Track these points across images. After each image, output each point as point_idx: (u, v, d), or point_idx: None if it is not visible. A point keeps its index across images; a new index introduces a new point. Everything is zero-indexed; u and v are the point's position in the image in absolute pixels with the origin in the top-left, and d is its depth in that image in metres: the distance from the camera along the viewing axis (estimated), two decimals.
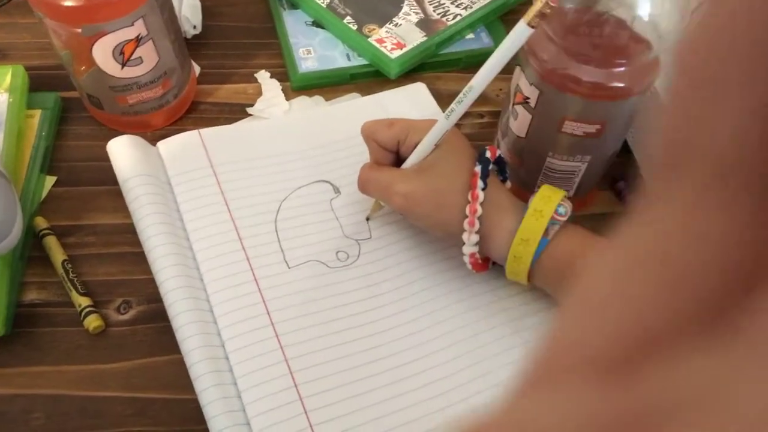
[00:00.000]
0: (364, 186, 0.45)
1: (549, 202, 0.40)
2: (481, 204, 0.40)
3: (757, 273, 0.11)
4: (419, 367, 0.41)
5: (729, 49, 0.11)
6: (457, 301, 0.44)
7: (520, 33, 0.36)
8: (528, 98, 0.43)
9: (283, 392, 0.39)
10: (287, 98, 0.56)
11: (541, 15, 0.35)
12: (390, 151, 0.44)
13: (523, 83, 0.43)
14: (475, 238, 0.40)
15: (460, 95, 0.40)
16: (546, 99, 0.42)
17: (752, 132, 0.11)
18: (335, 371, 0.41)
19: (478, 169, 0.40)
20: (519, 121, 0.45)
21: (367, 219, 0.48)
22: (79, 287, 0.44)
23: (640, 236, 0.13)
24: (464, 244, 0.41)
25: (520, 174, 0.47)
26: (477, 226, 0.40)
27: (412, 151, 0.43)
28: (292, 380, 0.40)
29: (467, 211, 0.40)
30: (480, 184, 0.40)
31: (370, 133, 0.44)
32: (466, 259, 0.42)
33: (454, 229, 0.41)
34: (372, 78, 0.58)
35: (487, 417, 0.14)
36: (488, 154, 0.41)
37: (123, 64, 0.46)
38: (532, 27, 0.36)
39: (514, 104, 0.45)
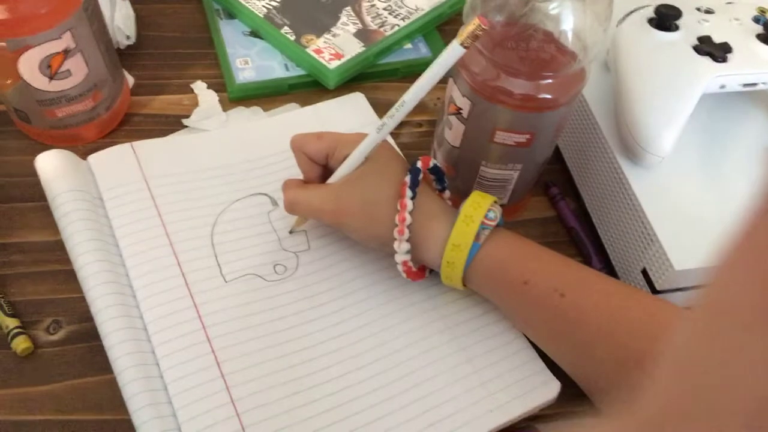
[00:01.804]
0: (291, 207, 0.45)
1: (479, 207, 0.41)
2: (411, 213, 0.40)
3: None
4: (359, 377, 0.41)
5: None
6: (396, 310, 0.45)
7: (452, 52, 0.37)
8: (461, 109, 0.44)
9: (219, 408, 0.39)
10: (224, 109, 0.56)
11: (473, 36, 0.36)
12: (318, 163, 0.44)
13: (456, 94, 0.44)
14: (406, 246, 0.41)
15: (392, 110, 0.41)
16: (478, 110, 0.43)
17: None
18: (273, 385, 0.40)
19: (407, 178, 0.41)
20: (453, 131, 0.46)
21: (290, 232, 0.48)
22: (6, 308, 0.42)
23: (748, 291, 0.12)
24: (396, 253, 0.42)
25: (456, 183, 0.48)
26: (407, 234, 0.40)
27: (340, 164, 0.43)
28: (228, 396, 0.39)
29: (396, 220, 0.41)
30: (408, 193, 0.41)
31: (299, 146, 0.44)
32: (400, 267, 0.42)
33: (386, 240, 0.41)
34: (310, 88, 0.58)
35: None
36: (419, 164, 0.42)
37: (51, 78, 0.45)
38: (465, 47, 0.36)
39: (448, 114, 0.46)
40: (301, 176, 0.46)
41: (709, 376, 0.13)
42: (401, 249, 0.41)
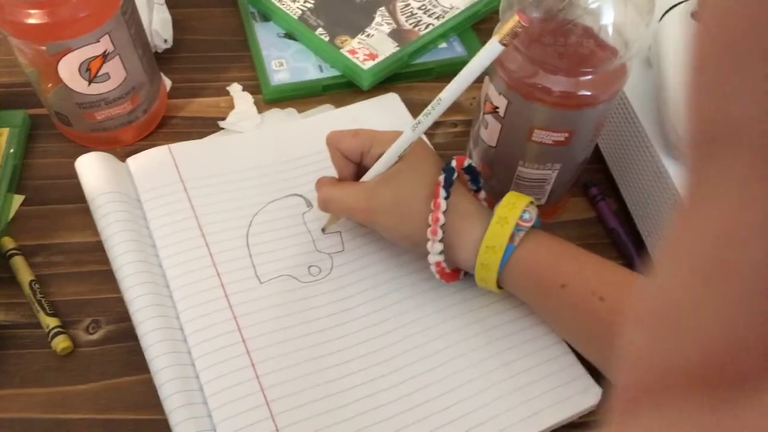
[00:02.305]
0: (325, 205, 0.45)
1: (513, 208, 0.40)
2: (445, 213, 0.40)
3: None
4: (393, 380, 0.41)
5: (757, 12, 0.10)
6: (431, 312, 0.44)
7: (491, 50, 0.36)
8: (497, 108, 0.43)
9: (254, 410, 0.39)
10: (260, 111, 0.56)
11: (513, 33, 0.35)
12: (353, 161, 0.44)
13: (492, 93, 0.43)
14: (439, 246, 0.40)
15: (429, 107, 0.40)
16: (514, 108, 0.42)
17: None
18: (307, 387, 0.40)
19: (441, 178, 0.40)
20: (489, 131, 0.45)
21: (323, 231, 0.48)
22: (47, 308, 0.43)
23: (700, 242, 0.12)
24: (429, 253, 0.41)
25: (492, 183, 0.47)
26: (440, 234, 0.40)
27: (374, 162, 0.43)
28: (263, 397, 0.39)
29: (430, 220, 0.40)
30: (442, 193, 0.40)
31: (334, 143, 0.44)
32: (433, 268, 0.42)
33: (419, 240, 0.41)
34: (345, 89, 0.58)
35: None
36: (453, 164, 0.41)
37: (90, 81, 0.46)
38: (504, 45, 0.36)
39: (483, 113, 0.45)
40: (335, 175, 0.46)
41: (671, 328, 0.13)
42: (434, 249, 0.41)
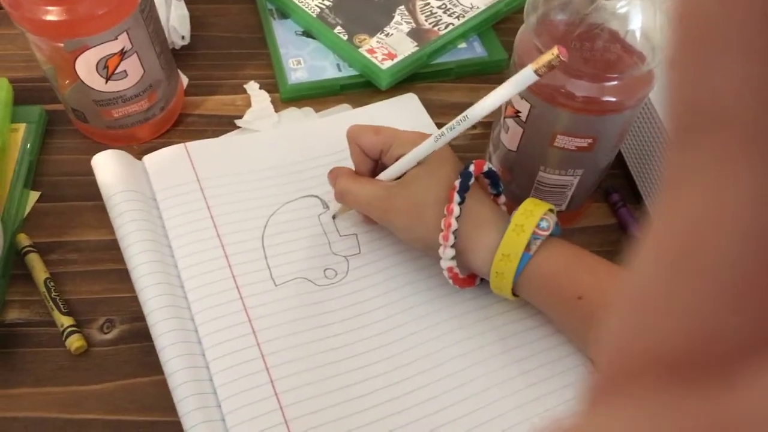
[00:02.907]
0: (342, 197, 0.44)
1: (531, 216, 0.39)
2: (458, 218, 0.39)
3: None
4: (407, 387, 0.40)
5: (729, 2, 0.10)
6: (447, 318, 0.43)
7: (525, 78, 0.36)
8: (519, 112, 0.42)
9: (268, 415, 0.38)
10: (276, 109, 0.56)
11: (549, 66, 0.34)
12: (371, 157, 0.44)
13: (515, 96, 0.42)
14: (451, 252, 0.40)
15: (454, 122, 0.40)
16: (537, 113, 0.41)
17: (748, 85, 0.10)
18: (322, 392, 0.40)
19: (457, 183, 0.40)
20: (510, 135, 0.44)
21: (333, 217, 0.47)
22: (62, 306, 0.43)
23: (674, 227, 0.12)
24: (441, 258, 0.40)
25: (511, 188, 0.47)
26: (451, 240, 0.39)
27: (393, 162, 0.43)
28: (277, 402, 0.39)
29: (442, 225, 0.39)
30: (456, 198, 0.39)
31: (355, 137, 0.44)
32: (445, 273, 0.41)
33: (431, 243, 0.40)
34: (362, 89, 0.57)
35: (574, 425, 0.13)
36: (472, 168, 0.40)
37: (107, 78, 0.45)
38: (539, 75, 0.35)
39: (505, 117, 0.44)
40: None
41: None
42: (446, 255, 0.40)
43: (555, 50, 0.34)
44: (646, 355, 0.12)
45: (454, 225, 0.39)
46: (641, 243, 0.13)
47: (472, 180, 0.40)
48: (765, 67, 0.10)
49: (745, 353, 0.10)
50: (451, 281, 0.42)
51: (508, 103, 0.43)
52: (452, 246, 0.40)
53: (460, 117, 0.39)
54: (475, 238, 0.40)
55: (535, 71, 0.35)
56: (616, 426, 0.12)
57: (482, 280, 0.43)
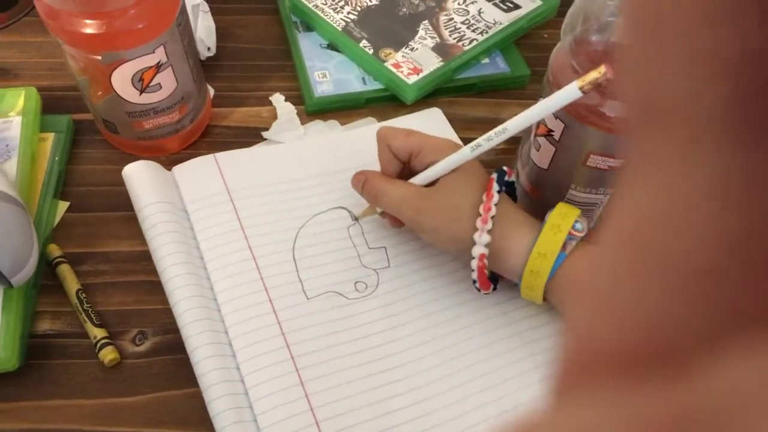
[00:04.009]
0: (375, 196, 0.45)
1: (566, 217, 0.40)
2: (493, 218, 0.40)
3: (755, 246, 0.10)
4: (439, 403, 0.41)
5: None
6: (478, 334, 0.44)
7: (569, 93, 0.36)
8: (552, 131, 0.43)
9: (304, 429, 0.38)
10: (301, 122, 0.56)
11: (595, 83, 0.35)
12: (400, 160, 0.44)
13: (548, 116, 0.43)
14: (486, 238, 0.40)
15: (491, 133, 0.40)
16: (571, 132, 0.42)
17: (697, 80, 0.10)
18: (357, 407, 0.40)
19: (494, 176, 0.41)
20: (541, 153, 0.45)
21: (357, 220, 0.48)
22: (94, 318, 0.43)
23: (629, 222, 0.12)
24: (473, 258, 0.41)
25: (537, 204, 0.47)
26: (489, 224, 0.40)
27: (424, 166, 0.43)
28: (313, 417, 0.39)
29: (481, 210, 0.40)
30: (495, 186, 0.40)
31: (386, 138, 0.44)
32: (475, 263, 0.41)
33: (466, 244, 0.41)
34: (387, 102, 0.58)
35: (537, 419, 0.13)
36: (505, 168, 0.42)
37: (141, 91, 0.46)
38: (584, 92, 0.35)
39: (536, 136, 0.45)
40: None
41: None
42: (481, 240, 0.40)
43: (602, 68, 0.34)
44: (606, 349, 0.12)
45: (493, 210, 0.40)
46: (600, 238, 0.13)
47: (507, 177, 0.42)
48: (710, 62, 0.10)
49: (703, 344, 0.10)
50: (475, 274, 0.41)
51: (541, 121, 0.44)
52: (488, 232, 0.40)
53: (498, 129, 0.40)
54: (510, 238, 0.40)
55: (580, 88, 0.36)
56: (575, 422, 0.12)
57: (496, 288, 0.43)
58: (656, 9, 0.11)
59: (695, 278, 0.11)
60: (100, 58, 0.43)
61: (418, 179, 0.44)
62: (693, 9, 0.10)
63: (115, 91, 0.45)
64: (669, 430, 0.10)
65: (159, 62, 0.44)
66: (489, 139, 0.40)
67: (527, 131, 0.47)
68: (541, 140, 0.44)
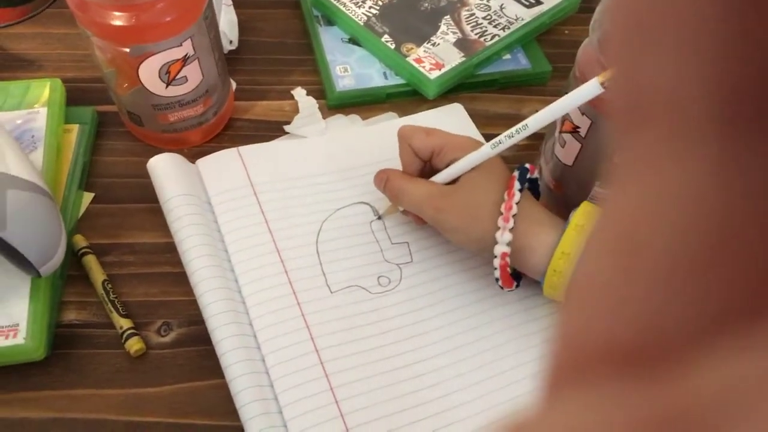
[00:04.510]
0: (397, 195, 0.45)
1: (591, 217, 0.40)
2: (515, 216, 0.40)
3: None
4: (462, 398, 0.41)
5: None
6: (502, 329, 0.44)
7: (590, 89, 0.36)
8: (578, 128, 0.43)
9: (330, 422, 0.39)
10: (323, 116, 0.56)
11: None
12: (422, 158, 0.44)
13: (574, 112, 0.43)
14: (508, 236, 0.40)
15: (513, 130, 0.40)
16: (598, 129, 0.42)
17: (682, 77, 0.10)
18: (381, 400, 0.40)
19: (515, 173, 0.41)
20: (566, 150, 0.45)
21: (379, 217, 0.48)
22: (120, 308, 0.43)
23: (617, 220, 0.12)
24: (495, 256, 0.41)
25: (560, 199, 0.47)
26: (511, 223, 0.40)
27: (445, 165, 0.43)
28: (338, 410, 0.39)
29: (502, 209, 0.40)
30: (517, 185, 0.40)
31: (406, 137, 0.44)
32: (497, 262, 0.41)
33: (488, 243, 0.41)
34: (408, 97, 0.58)
35: (530, 418, 0.13)
36: (528, 166, 0.42)
37: (168, 84, 0.46)
38: (605, 88, 0.35)
39: (561, 132, 0.45)
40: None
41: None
42: (503, 239, 0.40)
43: None
44: (597, 347, 0.12)
45: (515, 209, 0.40)
46: (590, 236, 0.13)
47: (529, 174, 0.42)
48: (696, 59, 0.10)
49: (693, 342, 0.10)
50: (498, 272, 0.41)
51: (566, 118, 0.44)
52: (510, 230, 0.40)
53: (519, 125, 0.40)
54: (532, 236, 0.40)
55: (602, 83, 0.36)
56: (565, 422, 0.12)
57: (518, 285, 0.43)
58: (642, 4, 0.11)
59: (683, 276, 0.11)
60: (128, 50, 0.43)
61: (440, 177, 0.44)
62: (680, 3, 0.10)
63: (142, 84, 0.45)
64: (658, 430, 0.10)
65: (186, 55, 0.45)
66: (510, 136, 0.40)
67: (551, 128, 0.47)
68: (567, 137, 0.44)
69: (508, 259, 0.41)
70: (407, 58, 0.57)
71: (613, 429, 0.11)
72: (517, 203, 0.40)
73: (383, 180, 0.46)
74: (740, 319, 0.10)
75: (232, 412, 0.39)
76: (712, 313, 0.11)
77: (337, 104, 0.56)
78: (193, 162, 0.50)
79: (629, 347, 0.11)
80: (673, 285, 0.11)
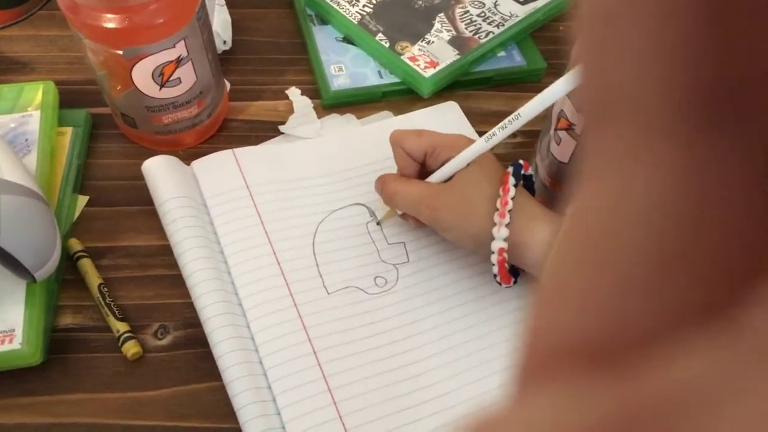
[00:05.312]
0: (391, 198, 0.45)
1: None
2: (510, 212, 0.40)
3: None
4: (460, 397, 0.41)
5: None
6: (498, 329, 0.44)
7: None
8: (574, 125, 0.43)
9: (328, 423, 0.39)
10: (318, 116, 0.56)
11: None
12: (416, 160, 0.44)
13: (569, 109, 0.43)
14: (505, 232, 0.40)
15: (505, 121, 0.40)
16: None
17: (646, 75, 0.10)
18: (380, 401, 0.40)
19: (510, 169, 0.41)
20: (562, 147, 0.45)
21: (378, 224, 0.48)
22: (116, 312, 0.43)
23: (584, 218, 0.12)
24: (492, 252, 0.41)
25: (557, 197, 0.47)
26: (507, 219, 0.40)
27: (439, 164, 0.43)
28: (336, 411, 0.39)
29: (498, 204, 0.40)
30: (511, 180, 0.40)
31: (398, 141, 0.44)
32: (495, 258, 0.41)
33: (484, 239, 0.41)
34: (404, 96, 0.57)
35: (495, 415, 0.13)
36: (522, 162, 0.42)
37: (161, 85, 0.46)
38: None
39: (556, 129, 0.45)
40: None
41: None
42: (499, 235, 0.40)
43: None
44: (563, 342, 0.12)
45: (510, 204, 0.40)
46: (559, 233, 0.13)
47: (523, 170, 0.41)
48: (660, 56, 0.10)
49: (658, 338, 0.11)
50: (496, 268, 0.41)
51: (561, 115, 0.44)
52: (506, 226, 0.40)
53: (512, 116, 0.39)
54: (528, 232, 0.40)
55: None
56: (528, 420, 0.12)
57: (516, 282, 0.43)
58: (609, 4, 0.11)
59: (645, 272, 0.11)
60: (121, 52, 0.43)
61: (435, 177, 0.44)
62: (642, 4, 0.10)
63: (135, 86, 0.45)
64: (619, 428, 0.10)
65: (179, 57, 0.44)
66: (503, 128, 0.40)
67: (547, 125, 0.47)
68: (562, 134, 0.44)
69: (505, 255, 0.41)
70: (402, 57, 0.57)
71: (573, 429, 0.11)
72: (512, 198, 0.40)
73: (381, 186, 0.46)
74: (703, 316, 0.10)
75: (230, 414, 0.39)
76: (674, 309, 0.11)
77: (332, 104, 0.56)
78: (188, 164, 0.49)
79: (593, 343, 0.11)
80: (635, 281, 0.11)
